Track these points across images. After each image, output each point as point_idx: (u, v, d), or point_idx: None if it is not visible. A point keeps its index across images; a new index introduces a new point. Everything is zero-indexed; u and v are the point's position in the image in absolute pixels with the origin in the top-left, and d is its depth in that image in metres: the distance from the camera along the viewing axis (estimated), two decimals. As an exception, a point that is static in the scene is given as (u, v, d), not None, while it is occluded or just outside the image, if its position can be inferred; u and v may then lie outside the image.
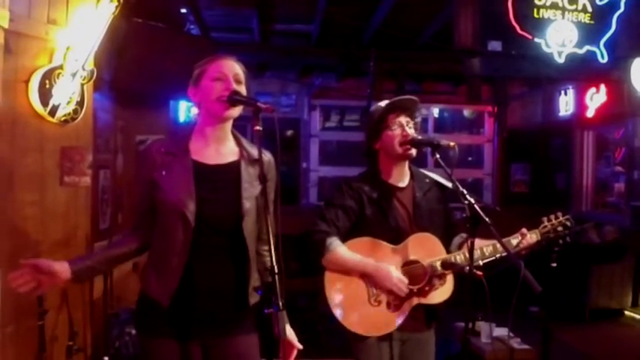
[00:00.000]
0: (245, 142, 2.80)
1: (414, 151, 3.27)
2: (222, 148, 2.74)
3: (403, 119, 3.28)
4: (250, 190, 2.68)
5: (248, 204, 2.67)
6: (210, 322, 2.69)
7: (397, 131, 3.26)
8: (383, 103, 3.38)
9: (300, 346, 2.63)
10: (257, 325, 2.80)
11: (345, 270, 3.20)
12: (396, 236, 3.26)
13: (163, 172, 2.61)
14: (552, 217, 3.38)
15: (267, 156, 2.74)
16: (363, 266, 3.18)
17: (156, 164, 2.64)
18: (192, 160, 2.66)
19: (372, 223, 3.27)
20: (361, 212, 3.27)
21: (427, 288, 3.21)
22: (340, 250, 3.18)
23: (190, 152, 2.68)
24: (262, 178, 2.53)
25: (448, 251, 3.32)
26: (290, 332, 2.60)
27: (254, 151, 2.71)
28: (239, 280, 2.70)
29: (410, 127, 3.27)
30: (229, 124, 2.74)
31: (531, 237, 3.30)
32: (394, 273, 3.15)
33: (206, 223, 2.61)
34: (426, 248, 3.26)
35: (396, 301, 3.20)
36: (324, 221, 3.24)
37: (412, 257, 3.23)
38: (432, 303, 3.24)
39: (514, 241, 3.29)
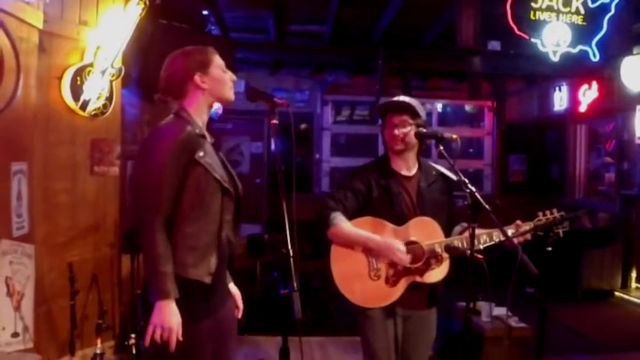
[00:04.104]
0: None
1: (399, 148, 3.30)
2: None
3: (396, 119, 3.31)
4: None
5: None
6: None
7: (388, 130, 3.33)
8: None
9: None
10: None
11: (349, 243, 3.23)
12: (399, 220, 3.27)
13: (201, 153, 2.56)
14: (547, 212, 3.35)
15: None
16: (366, 239, 3.20)
17: (195, 147, 2.56)
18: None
19: (378, 206, 3.29)
20: (369, 195, 3.30)
21: (424, 267, 3.23)
22: (343, 224, 3.21)
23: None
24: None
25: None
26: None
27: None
28: None
29: (404, 127, 3.29)
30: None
31: (525, 228, 3.27)
32: (398, 246, 3.17)
33: (237, 194, 2.63)
34: (426, 231, 3.26)
35: (394, 277, 3.22)
36: (333, 200, 3.29)
37: (412, 238, 3.24)
38: (427, 282, 3.25)
39: (510, 231, 3.26)
